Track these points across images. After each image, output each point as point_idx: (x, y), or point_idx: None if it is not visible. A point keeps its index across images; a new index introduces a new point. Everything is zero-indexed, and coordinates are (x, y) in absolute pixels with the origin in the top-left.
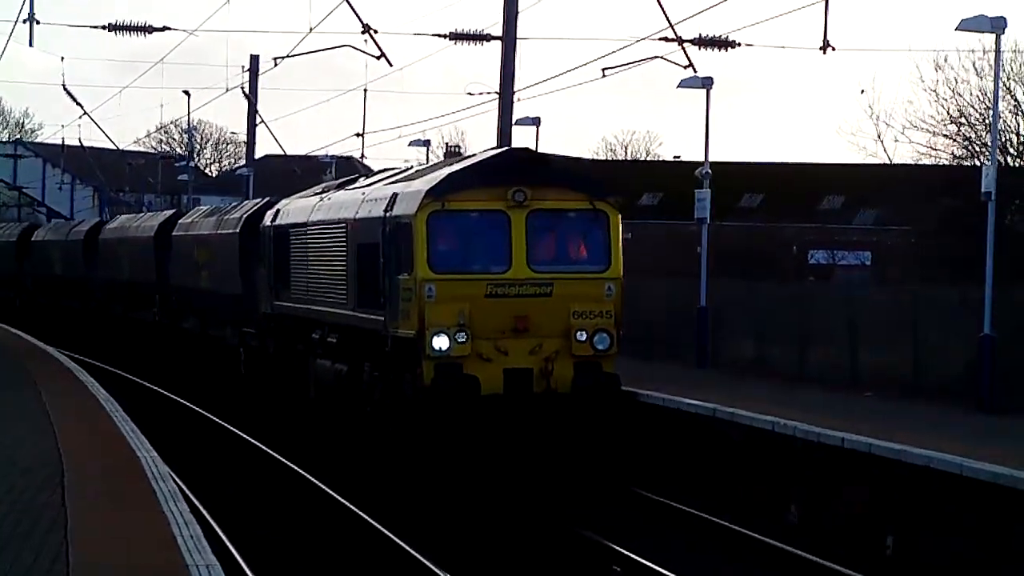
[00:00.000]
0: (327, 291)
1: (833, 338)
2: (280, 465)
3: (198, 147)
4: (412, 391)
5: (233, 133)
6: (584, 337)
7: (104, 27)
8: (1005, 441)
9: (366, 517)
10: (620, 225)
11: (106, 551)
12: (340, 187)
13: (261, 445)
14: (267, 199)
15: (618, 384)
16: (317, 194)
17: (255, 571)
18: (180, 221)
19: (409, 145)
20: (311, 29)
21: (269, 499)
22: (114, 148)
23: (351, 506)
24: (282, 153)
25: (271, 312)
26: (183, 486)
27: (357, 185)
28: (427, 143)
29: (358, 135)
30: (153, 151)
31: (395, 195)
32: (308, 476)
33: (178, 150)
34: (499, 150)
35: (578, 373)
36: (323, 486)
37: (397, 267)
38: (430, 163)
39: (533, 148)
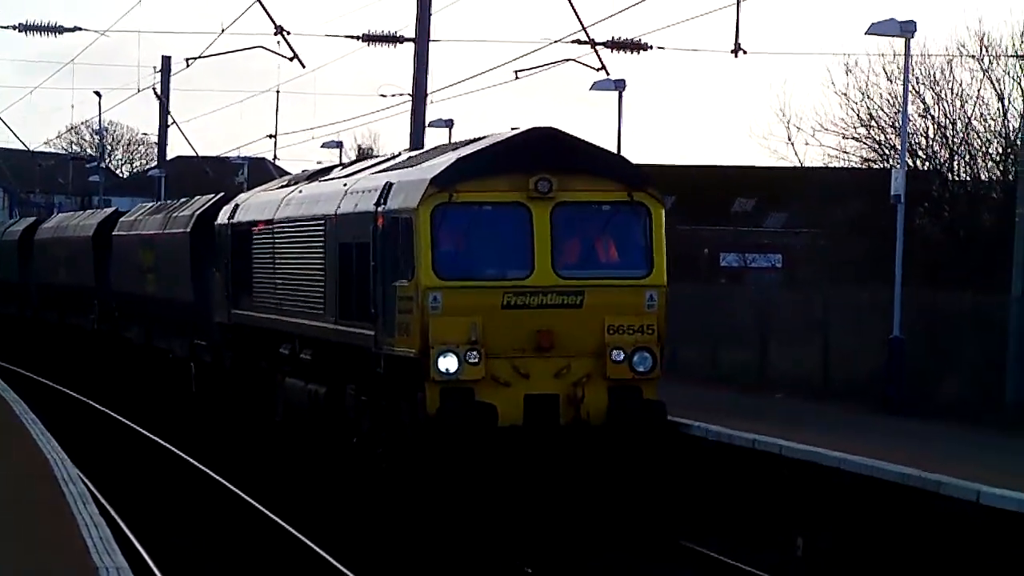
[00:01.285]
0: (300, 299)
1: (744, 339)
2: (237, 500)
3: (109, 148)
4: (412, 422)
5: (145, 134)
6: (621, 357)
7: (14, 27)
8: (912, 442)
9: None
10: (663, 221)
11: (14, 554)
12: (312, 178)
13: (213, 473)
14: (221, 194)
15: (663, 414)
16: (284, 187)
17: None
18: (122, 220)
19: (322, 147)
20: (223, 30)
21: (223, 544)
22: (24, 149)
23: (320, 550)
24: (194, 154)
25: (228, 322)
26: (93, 489)
27: (334, 175)
28: (340, 144)
29: (270, 136)
30: (64, 152)
31: (389, 185)
32: (275, 517)
33: (89, 151)
34: (518, 130)
35: (614, 400)
36: (289, 527)
37: (393, 272)
38: (427, 147)
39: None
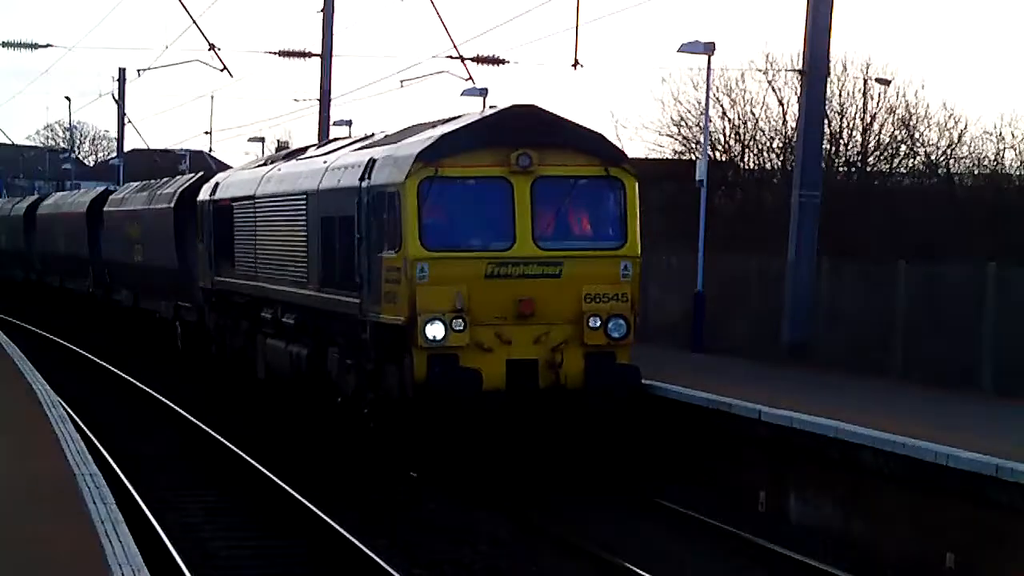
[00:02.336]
0: (282, 268)
1: None
2: (205, 435)
3: (78, 142)
4: (400, 385)
5: (106, 131)
6: (597, 324)
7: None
8: (711, 375)
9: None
10: (637, 195)
11: (6, 460)
12: (288, 158)
13: (184, 412)
14: (201, 173)
15: (637, 378)
16: (260, 166)
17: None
18: (111, 197)
19: (248, 141)
20: (167, 47)
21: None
22: (11, 143)
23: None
24: (146, 147)
25: (211, 287)
26: (72, 414)
27: (310, 155)
28: (262, 140)
29: (207, 133)
30: (41, 146)
31: (373, 161)
32: (235, 447)
33: (62, 144)
34: (499, 108)
35: (590, 365)
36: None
37: (379, 243)
38: (406, 126)
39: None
